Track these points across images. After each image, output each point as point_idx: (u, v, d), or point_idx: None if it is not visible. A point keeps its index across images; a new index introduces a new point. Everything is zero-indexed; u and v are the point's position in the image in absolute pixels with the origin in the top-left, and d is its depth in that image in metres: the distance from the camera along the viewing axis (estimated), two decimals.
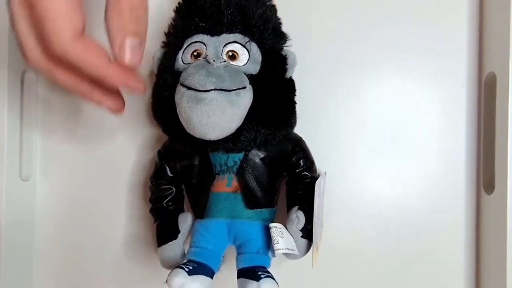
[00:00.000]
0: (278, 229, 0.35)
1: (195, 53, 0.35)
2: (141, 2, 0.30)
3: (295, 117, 0.38)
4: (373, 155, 0.43)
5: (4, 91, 0.40)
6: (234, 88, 0.33)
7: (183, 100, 0.32)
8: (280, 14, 0.39)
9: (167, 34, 0.38)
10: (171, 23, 0.38)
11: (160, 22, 0.39)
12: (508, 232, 0.37)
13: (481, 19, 0.42)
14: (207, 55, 0.34)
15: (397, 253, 0.43)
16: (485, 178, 0.42)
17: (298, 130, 0.38)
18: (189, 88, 0.32)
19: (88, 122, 0.44)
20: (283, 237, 0.35)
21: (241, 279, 0.34)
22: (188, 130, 0.33)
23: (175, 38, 0.37)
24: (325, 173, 0.39)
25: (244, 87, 0.33)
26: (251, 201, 0.36)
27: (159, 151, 0.39)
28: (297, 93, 0.37)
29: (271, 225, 0.35)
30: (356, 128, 0.43)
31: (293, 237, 0.36)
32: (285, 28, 0.39)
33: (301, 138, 0.39)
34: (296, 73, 0.41)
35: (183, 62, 0.35)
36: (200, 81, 0.32)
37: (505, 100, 0.38)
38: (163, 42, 0.38)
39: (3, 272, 0.40)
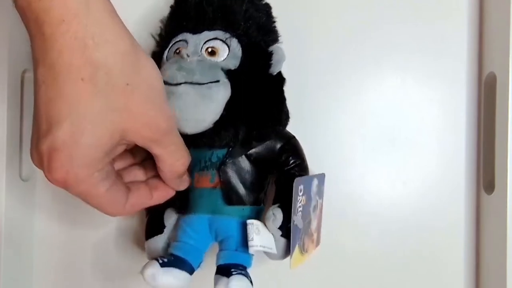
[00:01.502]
0: (255, 226, 0.34)
1: (177, 51, 0.36)
2: (183, 164, 0.34)
3: (285, 114, 0.37)
4: (373, 155, 0.43)
5: (4, 91, 0.40)
6: (205, 82, 0.33)
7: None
8: (280, 14, 0.39)
9: (159, 36, 0.39)
10: (161, 25, 0.39)
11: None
12: (508, 232, 0.37)
13: (481, 19, 0.42)
14: (184, 52, 0.35)
15: (397, 253, 0.43)
16: (485, 178, 0.42)
17: (297, 130, 0.38)
18: (165, 82, 0.32)
19: None
20: (259, 235, 0.34)
21: (216, 275, 0.34)
22: (180, 128, 0.34)
23: (163, 39, 0.38)
24: (324, 175, 0.38)
25: (217, 81, 0.34)
26: (230, 197, 0.36)
27: None
28: (297, 92, 0.37)
29: (248, 221, 0.34)
30: (356, 128, 0.43)
31: (273, 236, 0.35)
32: (285, 28, 0.39)
33: (293, 136, 0.38)
34: (297, 73, 0.41)
35: (167, 60, 0.36)
36: (170, 74, 0.33)
37: (505, 100, 0.38)
38: (156, 43, 0.39)
39: (3, 272, 0.40)
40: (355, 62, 0.43)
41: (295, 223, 0.34)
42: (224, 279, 0.32)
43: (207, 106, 0.33)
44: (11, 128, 0.41)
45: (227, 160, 0.36)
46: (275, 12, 0.39)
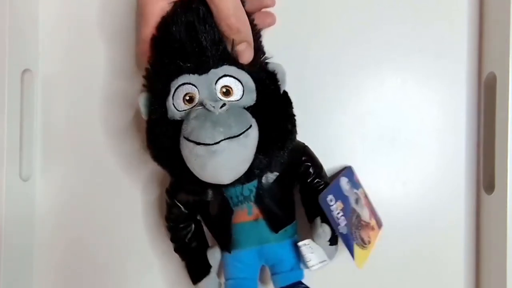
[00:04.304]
0: (308, 246, 0.36)
1: (187, 97, 0.33)
2: (237, 20, 0.33)
3: (295, 126, 0.37)
4: (373, 156, 0.43)
5: (4, 91, 0.40)
6: (242, 132, 0.31)
7: (193, 156, 0.31)
8: (280, 15, 0.39)
9: (147, 77, 0.35)
10: (148, 65, 0.35)
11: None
12: (508, 232, 0.37)
13: (481, 19, 0.42)
14: (203, 100, 0.32)
15: (397, 253, 0.43)
16: (485, 178, 0.42)
17: (298, 130, 0.38)
18: (198, 143, 0.31)
19: (88, 122, 0.44)
20: (314, 253, 0.36)
21: None
22: (202, 179, 0.32)
23: (157, 82, 0.34)
24: (351, 167, 0.40)
25: (250, 126, 0.32)
26: (276, 225, 0.36)
27: (167, 191, 0.39)
28: (297, 93, 0.37)
29: (300, 244, 0.36)
30: (356, 128, 0.43)
31: (323, 248, 0.36)
32: (285, 29, 0.39)
33: (304, 144, 0.39)
34: (296, 74, 0.41)
35: (177, 110, 0.33)
36: (208, 134, 0.30)
37: (505, 100, 0.38)
38: (144, 86, 0.36)
39: (3, 272, 0.40)
40: (355, 62, 0.43)
41: (340, 231, 0.36)
42: None
43: (246, 153, 0.32)
44: (11, 128, 0.41)
45: (260, 191, 0.36)
46: (275, 12, 0.39)
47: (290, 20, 0.42)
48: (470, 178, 0.43)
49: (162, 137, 0.34)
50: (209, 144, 0.30)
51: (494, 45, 0.40)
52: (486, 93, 0.41)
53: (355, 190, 0.39)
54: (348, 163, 0.43)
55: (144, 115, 0.35)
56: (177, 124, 0.32)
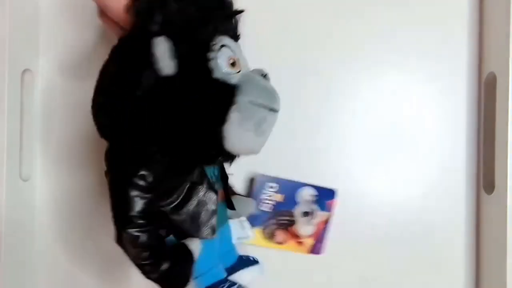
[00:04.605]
0: (246, 220, 0.39)
1: (231, 61, 0.30)
2: None
3: None
4: (374, 155, 0.43)
5: (4, 91, 0.40)
6: None
7: (258, 121, 0.29)
8: (282, 13, 0.39)
9: (172, 23, 0.28)
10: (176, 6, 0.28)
11: None
12: (508, 232, 0.37)
13: (481, 19, 0.42)
14: (254, 68, 0.32)
15: (398, 253, 0.43)
16: (485, 178, 0.42)
17: (298, 131, 0.38)
18: (271, 110, 0.30)
19: (88, 122, 0.44)
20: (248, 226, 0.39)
21: (237, 273, 0.37)
22: (238, 150, 0.30)
23: (199, 32, 0.29)
24: (332, 191, 0.41)
25: None
26: (231, 202, 0.37)
27: (133, 183, 0.30)
28: (298, 95, 0.37)
29: (242, 219, 0.38)
30: (357, 129, 0.43)
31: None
32: (286, 28, 0.39)
33: None
34: (297, 75, 0.41)
35: (226, 72, 0.29)
36: (278, 101, 0.31)
37: (505, 100, 0.38)
38: (166, 29, 0.28)
39: (3, 272, 0.40)
40: (355, 63, 0.43)
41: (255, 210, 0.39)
42: (256, 267, 0.38)
43: None
44: (11, 128, 0.41)
45: (227, 172, 0.36)
46: (276, 13, 0.39)
47: (291, 20, 0.42)
48: (470, 178, 0.43)
49: (211, 100, 0.29)
50: (277, 111, 0.31)
51: (494, 45, 0.40)
52: (486, 93, 0.41)
53: (316, 208, 0.41)
54: (347, 164, 0.43)
55: (167, 68, 0.28)
56: (225, 87, 0.29)
